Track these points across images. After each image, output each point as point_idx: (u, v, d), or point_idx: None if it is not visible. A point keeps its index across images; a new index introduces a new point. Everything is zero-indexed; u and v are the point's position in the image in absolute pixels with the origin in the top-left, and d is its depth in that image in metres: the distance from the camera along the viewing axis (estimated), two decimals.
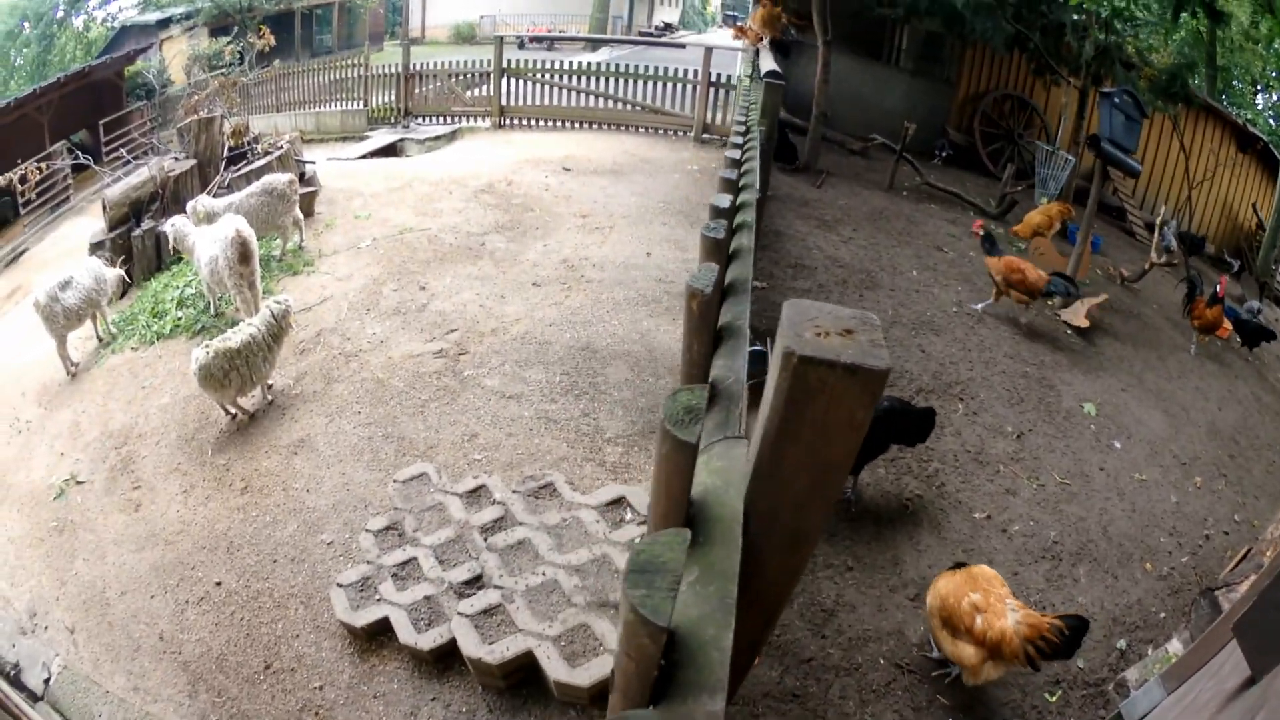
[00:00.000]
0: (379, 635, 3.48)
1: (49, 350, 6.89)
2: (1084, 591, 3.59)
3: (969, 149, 10.78)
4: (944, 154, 10.50)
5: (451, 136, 11.82)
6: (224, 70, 12.92)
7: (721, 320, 2.12)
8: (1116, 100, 6.19)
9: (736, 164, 3.73)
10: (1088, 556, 3.79)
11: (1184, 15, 7.40)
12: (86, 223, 12.30)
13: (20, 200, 12.95)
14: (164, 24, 19.42)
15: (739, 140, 3.46)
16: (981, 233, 6.05)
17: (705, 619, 1.02)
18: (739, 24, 11.88)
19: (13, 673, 4.06)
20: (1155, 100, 8.03)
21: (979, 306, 6.07)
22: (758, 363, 2.72)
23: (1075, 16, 7.08)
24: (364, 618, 3.45)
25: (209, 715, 3.51)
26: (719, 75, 10.44)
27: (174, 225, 6.88)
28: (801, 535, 1.50)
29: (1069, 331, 5.89)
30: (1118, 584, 3.68)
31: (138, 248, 7.99)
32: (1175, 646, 3.08)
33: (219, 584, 4.06)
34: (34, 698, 3.92)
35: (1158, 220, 7.97)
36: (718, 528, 1.26)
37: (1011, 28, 8.39)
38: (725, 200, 2.81)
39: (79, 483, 5.29)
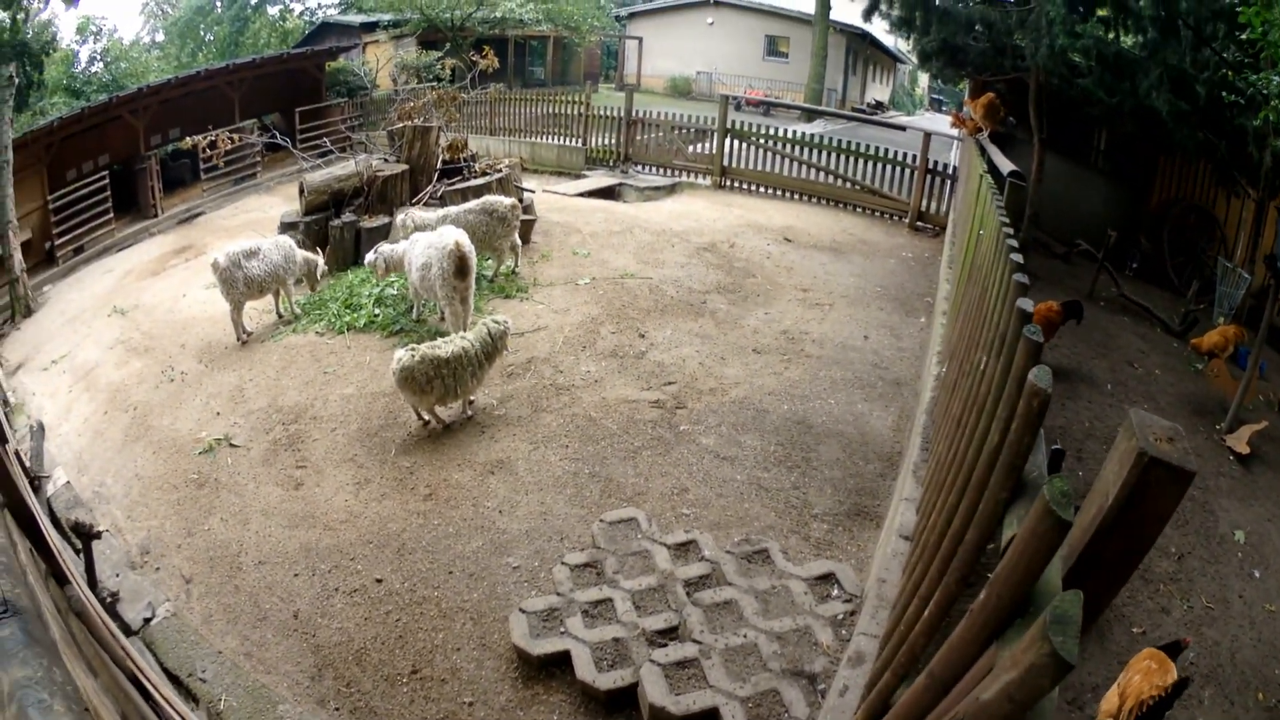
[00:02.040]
0: (552, 666, 4.12)
1: (219, 311, 8.51)
2: (1205, 713, 4.20)
3: (1155, 260, 11.78)
4: (1134, 265, 11.53)
5: (671, 189, 13.74)
6: (438, 83, 15.27)
7: None
8: None
9: (1022, 267, 4.38)
10: (1214, 680, 4.46)
11: None
12: (270, 200, 14.99)
13: (202, 165, 15.79)
14: (368, 27, 23.40)
15: (1014, 242, 4.15)
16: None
17: None
18: (958, 111, 13.05)
19: (109, 600, 4.90)
20: None
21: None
22: (1054, 460, 3.25)
23: (1255, 123, 7.90)
24: (543, 647, 4.11)
25: (329, 701, 4.20)
26: (935, 162, 12.10)
27: (378, 253, 8.05)
28: (1093, 613, 2.02)
29: (1231, 457, 6.69)
30: (1232, 710, 4.29)
31: (334, 237, 9.65)
32: None
33: (379, 581, 4.88)
34: (127, 631, 4.66)
35: None
36: (1048, 601, 1.77)
37: (1203, 135, 9.47)
38: (1029, 304, 3.43)
39: (233, 445, 6.49)
